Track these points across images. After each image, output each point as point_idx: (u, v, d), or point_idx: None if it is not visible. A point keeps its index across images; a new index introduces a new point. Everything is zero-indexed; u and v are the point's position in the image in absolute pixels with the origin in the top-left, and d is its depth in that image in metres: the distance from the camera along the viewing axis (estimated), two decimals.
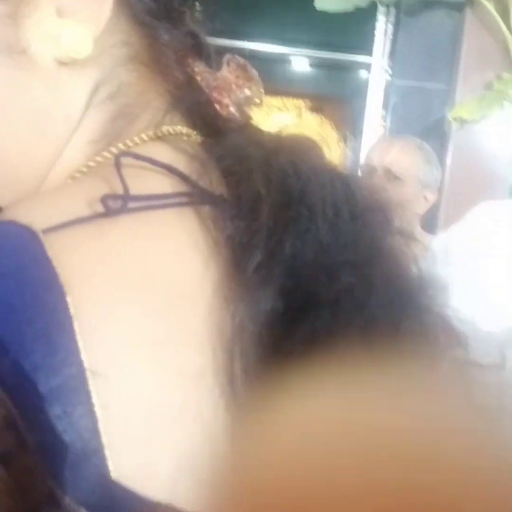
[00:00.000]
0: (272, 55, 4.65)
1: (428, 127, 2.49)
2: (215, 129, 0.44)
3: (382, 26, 2.92)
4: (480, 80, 2.38)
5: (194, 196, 0.37)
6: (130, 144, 0.40)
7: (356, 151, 5.60)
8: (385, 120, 2.65)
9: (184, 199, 0.37)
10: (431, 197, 1.81)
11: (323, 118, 6.80)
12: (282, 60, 5.08)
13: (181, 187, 0.37)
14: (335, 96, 5.79)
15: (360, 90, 5.35)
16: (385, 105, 2.80)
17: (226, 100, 0.49)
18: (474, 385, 0.22)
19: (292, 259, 0.36)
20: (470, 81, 2.38)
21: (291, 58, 5.04)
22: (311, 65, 5.26)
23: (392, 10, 2.84)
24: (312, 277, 0.36)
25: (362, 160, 3.10)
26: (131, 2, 0.41)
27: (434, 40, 2.46)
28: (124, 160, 0.36)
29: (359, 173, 1.81)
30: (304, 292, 0.35)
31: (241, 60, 0.51)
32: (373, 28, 3.02)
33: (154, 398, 0.32)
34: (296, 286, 0.35)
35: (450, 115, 2.32)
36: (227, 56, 0.51)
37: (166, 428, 0.32)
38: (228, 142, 0.42)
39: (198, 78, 0.46)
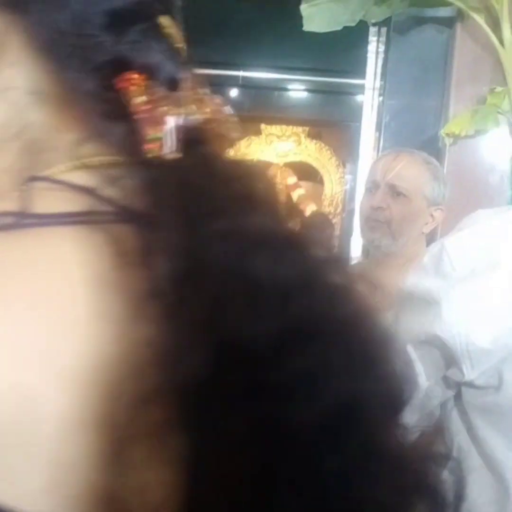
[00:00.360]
0: (267, 83, 4.64)
1: (422, 144, 2.43)
2: (138, 156, 0.41)
3: (374, 47, 2.89)
4: (473, 94, 2.33)
5: (103, 215, 0.36)
6: (42, 174, 0.40)
7: (354, 175, 5.57)
8: (379, 142, 2.60)
9: (90, 218, 0.36)
10: (438, 215, 1.69)
11: (322, 144, 6.79)
12: (278, 88, 5.08)
13: (89, 206, 0.36)
14: (333, 121, 5.77)
15: (357, 114, 5.35)
16: (379, 127, 2.76)
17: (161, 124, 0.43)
18: None
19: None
20: (463, 96, 2.33)
21: (288, 85, 5.03)
22: (307, 91, 5.25)
23: (383, 30, 2.81)
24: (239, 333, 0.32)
25: (360, 184, 3.06)
26: (34, 38, 0.39)
27: (426, 56, 2.42)
28: (34, 184, 0.37)
29: (363, 189, 1.74)
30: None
31: (199, 81, 0.46)
32: (366, 50, 2.99)
33: None
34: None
35: (442, 131, 2.26)
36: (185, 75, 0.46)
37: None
38: (149, 168, 0.40)
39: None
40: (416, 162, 1.67)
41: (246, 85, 4.45)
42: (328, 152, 6.76)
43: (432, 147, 2.42)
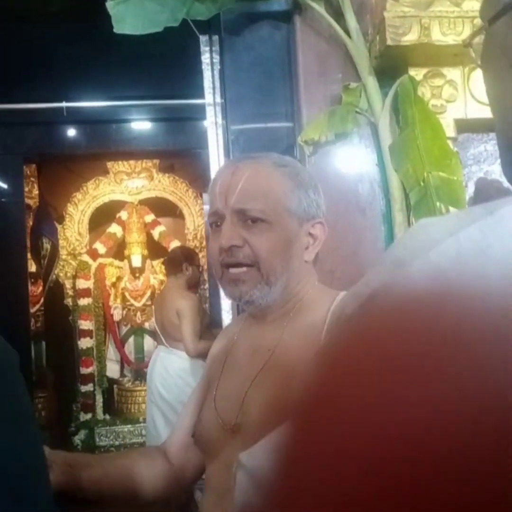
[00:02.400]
0: (100, 114, 4.20)
1: None
2: None
3: (207, 58, 2.55)
4: (326, 94, 2.02)
5: None
6: None
7: None
8: None
9: None
10: (319, 231, 1.19)
11: (175, 177, 6.41)
12: (116, 120, 4.65)
13: None
14: (182, 150, 5.40)
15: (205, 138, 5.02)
16: (226, 150, 2.41)
17: None
18: None
19: None
20: (314, 98, 2.02)
21: (126, 116, 4.62)
22: (149, 120, 4.85)
23: (216, 39, 2.48)
24: None
25: None
26: None
27: (266, 58, 2.09)
28: None
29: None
30: None
31: None
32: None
33: None
34: None
35: (299, 139, 1.93)
36: None
37: None
38: None
39: None
40: (264, 168, 1.15)
41: (77, 120, 3.98)
42: (184, 184, 6.40)
43: None
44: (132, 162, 6.25)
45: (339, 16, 1.98)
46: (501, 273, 0.37)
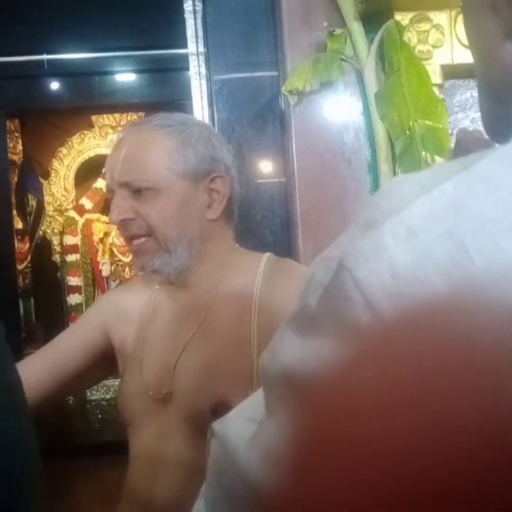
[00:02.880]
0: (82, 67, 4.11)
1: (261, 110, 2.07)
2: None
3: (190, 6, 2.48)
4: (310, 41, 1.98)
5: None
6: None
7: None
8: (212, 116, 2.18)
9: None
10: (221, 185, 1.12)
11: None
12: (98, 72, 4.55)
13: None
14: (166, 102, 5.31)
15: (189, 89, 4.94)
16: (210, 102, 2.37)
17: None
18: None
19: None
20: (298, 45, 1.98)
21: (107, 68, 4.52)
22: (133, 72, 4.75)
23: None
24: None
25: None
26: None
27: (249, 5, 2.04)
28: None
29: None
30: None
31: None
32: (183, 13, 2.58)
33: None
34: None
35: (283, 88, 1.89)
36: None
37: None
38: None
39: None
40: (145, 133, 1.11)
41: (59, 73, 3.90)
42: None
43: (273, 110, 2.06)
44: (117, 115, 6.16)
45: None
46: (475, 234, 0.36)
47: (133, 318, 1.21)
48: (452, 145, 1.87)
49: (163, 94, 4.96)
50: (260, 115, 2.06)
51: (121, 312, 1.23)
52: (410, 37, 1.89)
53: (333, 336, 0.39)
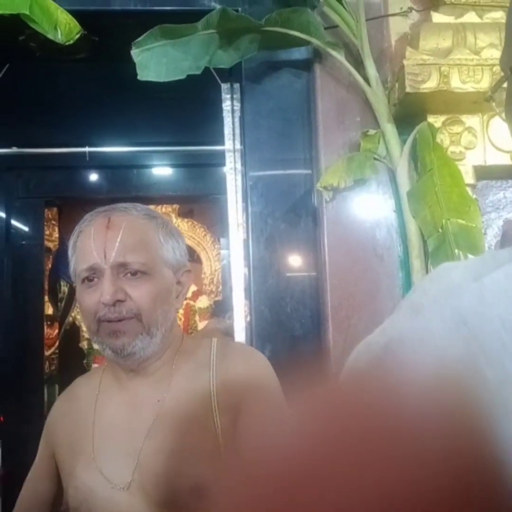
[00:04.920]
0: (120, 160, 4.27)
1: (294, 205, 2.11)
2: None
3: (228, 105, 2.59)
4: (345, 141, 2.03)
5: None
6: None
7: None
8: (246, 210, 2.23)
9: None
10: (186, 279, 1.20)
11: (194, 221, 6.46)
12: (136, 165, 4.72)
13: None
14: (201, 196, 5.45)
15: (223, 184, 5.07)
16: (245, 196, 2.43)
17: None
18: None
19: None
20: (333, 144, 2.03)
21: (145, 162, 4.68)
22: (169, 166, 4.91)
23: (237, 87, 2.52)
24: None
25: (234, 260, 2.69)
26: None
27: (285, 106, 2.12)
28: None
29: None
30: None
31: None
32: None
33: None
34: None
35: (318, 185, 1.93)
36: None
37: None
38: None
39: None
40: (138, 220, 1.14)
41: (99, 165, 4.05)
42: (202, 229, 6.44)
43: (306, 206, 2.10)
44: (151, 207, 6.30)
45: (358, 64, 2.00)
46: None
47: (74, 417, 1.21)
48: (485, 244, 1.88)
49: (198, 187, 5.11)
50: (292, 210, 2.10)
51: (61, 421, 1.24)
52: (443, 138, 1.93)
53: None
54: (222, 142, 3.73)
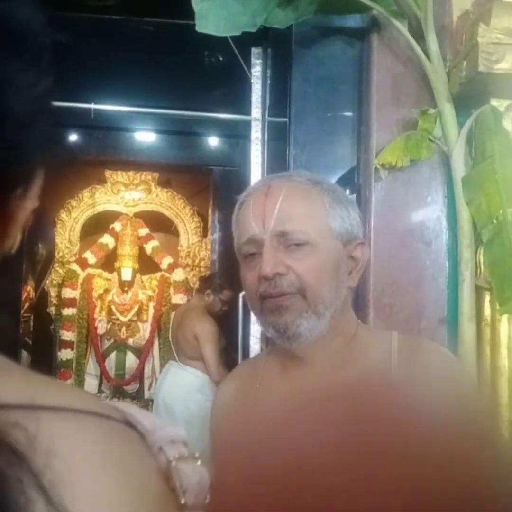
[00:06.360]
0: (120, 120, 4.08)
1: (339, 184, 1.99)
2: None
3: (258, 71, 2.45)
4: (397, 118, 1.92)
5: None
6: None
7: (224, 225, 5.09)
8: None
9: None
10: (360, 253, 1.05)
11: (173, 192, 6.27)
12: (127, 129, 4.53)
13: None
14: (184, 166, 5.29)
15: (216, 157, 4.92)
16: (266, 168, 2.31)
17: None
18: None
19: None
20: (385, 120, 1.92)
21: (138, 128, 4.50)
22: (159, 133, 4.73)
23: (269, 52, 2.38)
24: None
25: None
26: None
27: (335, 75, 1.99)
28: None
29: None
30: None
31: None
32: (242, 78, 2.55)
33: None
34: None
35: (376, 161, 1.81)
36: None
37: None
38: None
39: None
40: (300, 186, 1.03)
41: (95, 123, 3.84)
42: (181, 200, 6.27)
43: (351, 184, 1.98)
44: (130, 173, 6.11)
45: (418, 38, 1.88)
46: None
47: (235, 410, 1.09)
48: None
49: (180, 156, 4.96)
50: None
51: (223, 417, 1.12)
52: (505, 125, 1.83)
53: None
54: (215, 109, 3.59)
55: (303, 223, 0.99)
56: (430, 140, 1.87)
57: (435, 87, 1.88)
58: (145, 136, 4.86)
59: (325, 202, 1.02)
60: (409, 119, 1.90)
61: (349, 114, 1.97)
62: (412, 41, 1.86)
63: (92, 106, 3.05)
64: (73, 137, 4.58)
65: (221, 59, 3.90)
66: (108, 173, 6.10)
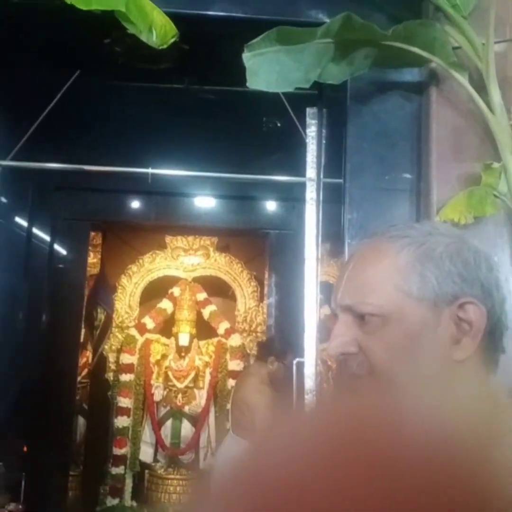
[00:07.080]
0: (177, 185, 4.11)
1: None
2: None
3: (312, 132, 2.40)
4: (459, 173, 1.82)
5: None
6: None
7: (280, 288, 5.02)
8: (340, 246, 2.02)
9: None
10: (472, 315, 0.80)
11: (231, 257, 6.25)
12: (188, 194, 4.57)
13: None
14: (242, 230, 5.28)
15: (274, 219, 4.89)
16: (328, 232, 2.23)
17: None
18: None
19: None
20: (447, 176, 1.82)
21: (201, 189, 4.54)
22: (217, 198, 4.75)
23: (324, 112, 2.34)
24: None
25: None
26: None
27: (392, 130, 1.92)
28: None
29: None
30: None
31: None
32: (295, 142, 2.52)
33: None
34: None
35: (438, 217, 1.71)
36: None
37: None
38: None
39: None
40: (376, 247, 0.87)
41: (148, 190, 3.86)
42: (239, 265, 6.23)
43: None
44: (190, 238, 6.14)
45: (479, 90, 1.80)
46: None
47: None
48: None
49: (238, 221, 4.95)
50: None
51: None
52: None
53: None
54: (271, 173, 3.56)
55: (368, 292, 0.85)
56: (494, 196, 1.77)
57: (499, 140, 1.78)
58: (204, 201, 4.90)
59: (400, 260, 0.85)
60: (471, 174, 1.80)
61: (407, 170, 1.88)
62: (474, 93, 1.78)
63: (154, 171, 3.06)
64: (134, 203, 4.66)
65: (278, 124, 3.91)
66: (168, 238, 6.15)
